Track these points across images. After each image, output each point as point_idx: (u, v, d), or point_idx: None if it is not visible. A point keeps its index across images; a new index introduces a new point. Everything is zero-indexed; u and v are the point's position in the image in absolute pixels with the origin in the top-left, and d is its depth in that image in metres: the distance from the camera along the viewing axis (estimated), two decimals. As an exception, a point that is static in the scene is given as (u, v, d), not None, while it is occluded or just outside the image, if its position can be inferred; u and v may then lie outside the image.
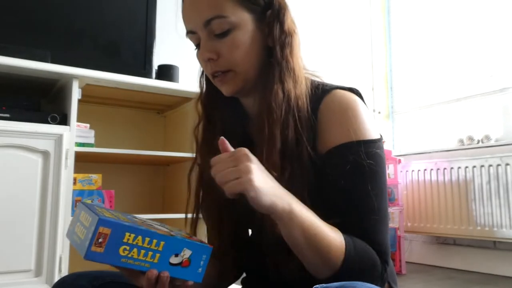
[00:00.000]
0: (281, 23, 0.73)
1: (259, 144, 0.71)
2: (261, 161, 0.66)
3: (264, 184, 0.59)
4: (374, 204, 0.68)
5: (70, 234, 0.61)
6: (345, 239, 0.64)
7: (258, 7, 0.72)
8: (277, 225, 0.64)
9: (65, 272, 1.58)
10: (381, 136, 0.73)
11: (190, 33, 0.74)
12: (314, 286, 0.58)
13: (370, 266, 0.66)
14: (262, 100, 0.73)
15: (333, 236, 0.64)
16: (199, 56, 0.75)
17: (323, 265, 0.64)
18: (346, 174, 0.68)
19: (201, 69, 0.82)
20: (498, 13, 2.72)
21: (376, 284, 0.64)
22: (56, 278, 1.54)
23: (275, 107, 0.70)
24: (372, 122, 0.72)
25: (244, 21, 0.71)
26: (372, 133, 0.71)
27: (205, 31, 0.71)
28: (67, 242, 1.59)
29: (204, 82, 0.83)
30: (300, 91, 0.72)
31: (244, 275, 0.89)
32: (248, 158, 0.60)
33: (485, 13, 2.80)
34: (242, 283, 0.88)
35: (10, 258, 1.50)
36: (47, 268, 1.55)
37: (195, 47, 0.76)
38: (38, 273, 1.54)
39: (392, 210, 2.70)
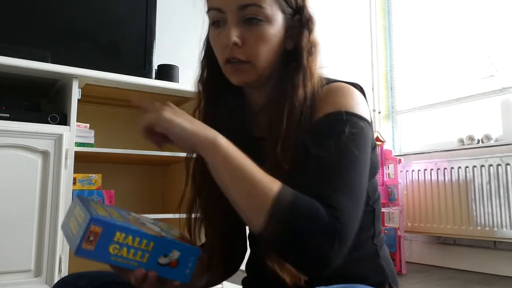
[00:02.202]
0: (310, 32, 0.74)
1: (271, 138, 0.70)
2: (273, 153, 0.67)
3: (181, 118, 0.61)
4: (343, 171, 0.63)
5: (65, 226, 0.63)
6: (281, 184, 0.60)
7: (290, 10, 0.73)
8: None
9: (65, 272, 1.58)
10: (371, 121, 0.72)
11: (216, 10, 0.71)
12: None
13: (310, 213, 0.57)
14: (281, 100, 0.72)
15: (265, 176, 0.60)
16: (220, 37, 0.72)
17: (251, 206, 0.59)
18: (324, 138, 0.65)
19: (203, 51, 0.81)
20: (498, 13, 2.72)
21: (323, 242, 0.57)
22: (56, 278, 1.54)
23: (297, 106, 0.70)
24: (366, 108, 0.71)
25: (276, 17, 0.71)
26: (362, 112, 0.69)
27: (236, 14, 0.69)
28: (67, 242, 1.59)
29: (206, 66, 0.81)
30: (313, 94, 0.72)
31: (245, 274, 0.89)
32: (167, 104, 0.63)
33: (485, 13, 2.80)
34: (242, 283, 0.88)
35: (10, 258, 1.50)
36: (47, 268, 1.55)
37: (211, 23, 0.74)
38: (38, 273, 1.54)
39: (392, 210, 2.70)
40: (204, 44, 0.81)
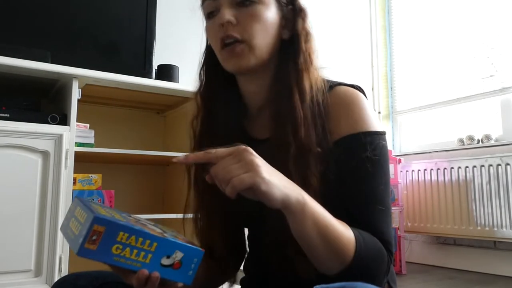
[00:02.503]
0: (303, 20, 0.76)
1: (286, 129, 0.70)
2: (297, 139, 0.67)
3: (274, 177, 0.57)
4: (379, 195, 0.68)
5: (64, 228, 0.62)
6: (353, 231, 0.63)
7: None
8: (276, 227, 0.64)
9: (65, 272, 1.58)
10: (384, 130, 0.74)
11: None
12: (314, 287, 0.58)
13: (379, 256, 0.65)
14: (286, 86, 0.72)
15: (342, 228, 0.62)
16: (214, 23, 0.73)
17: (335, 259, 0.62)
18: (352, 165, 0.68)
19: (202, 61, 0.82)
20: (498, 13, 2.72)
21: (383, 274, 0.65)
22: (56, 278, 1.54)
23: (306, 90, 0.71)
24: (376, 117, 0.73)
25: (269, 1, 0.73)
26: (377, 126, 0.72)
27: None
28: (67, 242, 1.59)
29: (204, 75, 0.82)
30: (317, 86, 0.72)
31: (243, 275, 0.89)
32: (251, 153, 0.57)
33: (485, 13, 2.80)
34: (241, 283, 0.88)
35: (10, 258, 1.50)
36: (47, 268, 1.55)
37: (206, 17, 0.76)
38: (38, 273, 1.54)
39: (392, 210, 2.70)
40: (203, 55, 0.82)
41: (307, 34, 0.76)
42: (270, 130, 0.74)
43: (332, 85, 0.74)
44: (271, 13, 0.73)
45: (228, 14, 0.70)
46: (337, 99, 0.72)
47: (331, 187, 0.68)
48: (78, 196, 0.69)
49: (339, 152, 0.69)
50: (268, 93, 0.76)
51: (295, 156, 0.67)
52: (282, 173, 0.61)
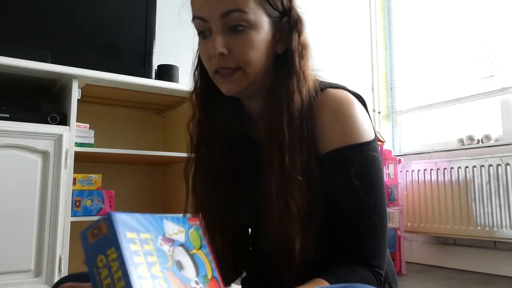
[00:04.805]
0: (299, 34, 0.72)
1: (272, 150, 0.69)
2: (282, 163, 0.66)
3: None
4: (369, 210, 0.67)
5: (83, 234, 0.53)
6: (329, 281, 0.62)
7: (276, 12, 0.71)
8: (278, 227, 0.64)
9: (65, 272, 1.58)
10: (375, 135, 0.72)
11: (199, 19, 0.69)
12: (315, 287, 0.58)
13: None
14: (277, 107, 0.70)
15: None
16: (206, 47, 0.70)
17: None
18: (338, 183, 0.67)
19: (195, 62, 0.80)
20: (498, 13, 2.72)
21: None
22: (56, 278, 1.54)
23: (296, 115, 0.68)
24: (366, 122, 0.70)
25: (262, 22, 0.69)
26: (365, 135, 0.69)
27: (220, 22, 0.67)
28: (67, 242, 1.59)
29: (199, 76, 0.80)
30: (309, 99, 0.71)
31: (244, 274, 0.89)
32: None
33: (485, 13, 2.80)
34: (242, 283, 0.88)
35: (10, 258, 1.50)
36: (47, 268, 1.55)
37: (197, 34, 0.72)
38: (38, 273, 1.54)
39: (392, 210, 2.70)
40: (196, 55, 0.80)
41: (303, 49, 0.72)
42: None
43: (323, 88, 0.72)
44: (263, 35, 0.69)
45: (219, 45, 0.67)
46: (325, 106, 0.70)
47: (319, 210, 0.67)
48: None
49: (325, 169, 0.68)
50: (265, 105, 0.75)
51: (278, 179, 0.66)
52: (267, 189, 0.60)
